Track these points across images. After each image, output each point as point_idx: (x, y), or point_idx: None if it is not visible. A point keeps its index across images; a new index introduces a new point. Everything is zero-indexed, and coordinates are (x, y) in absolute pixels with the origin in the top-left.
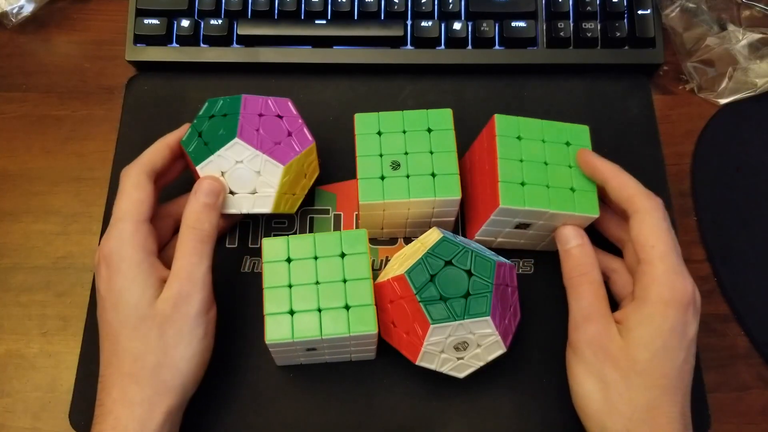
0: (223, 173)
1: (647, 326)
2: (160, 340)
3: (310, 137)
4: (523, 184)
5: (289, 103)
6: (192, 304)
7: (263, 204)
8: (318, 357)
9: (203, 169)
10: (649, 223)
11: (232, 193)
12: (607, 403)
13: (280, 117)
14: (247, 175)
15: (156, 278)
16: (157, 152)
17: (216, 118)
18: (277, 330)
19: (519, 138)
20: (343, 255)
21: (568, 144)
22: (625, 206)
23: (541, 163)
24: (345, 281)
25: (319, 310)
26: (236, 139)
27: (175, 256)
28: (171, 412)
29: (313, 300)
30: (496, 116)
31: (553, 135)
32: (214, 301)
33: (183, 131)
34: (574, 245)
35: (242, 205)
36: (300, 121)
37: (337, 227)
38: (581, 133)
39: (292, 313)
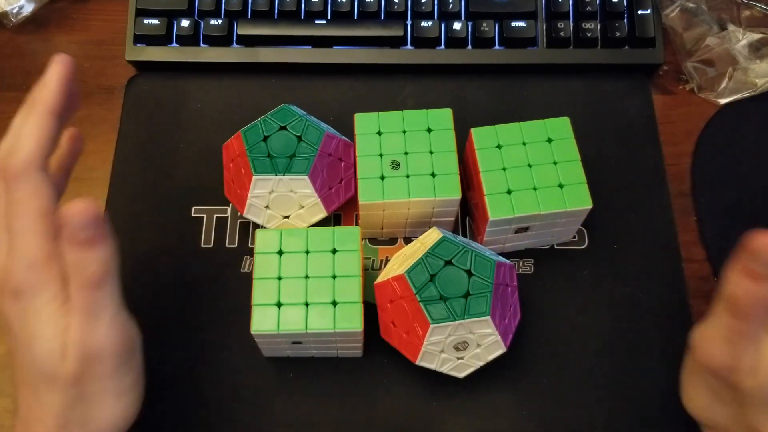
0: (272, 191)
1: None
2: (81, 399)
3: (352, 188)
4: (509, 192)
5: (352, 148)
6: (105, 362)
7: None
8: (304, 350)
9: (258, 181)
10: None
11: (267, 207)
12: None
13: (341, 160)
14: (290, 203)
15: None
16: (45, 133)
17: (289, 133)
18: (262, 321)
19: (499, 147)
20: (334, 251)
21: (549, 141)
22: None
23: (524, 167)
24: (334, 277)
25: (306, 305)
26: (305, 177)
27: (72, 312)
28: None
29: (301, 294)
30: (473, 130)
31: (534, 135)
32: (138, 334)
33: (53, 91)
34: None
35: (270, 221)
36: (352, 170)
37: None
38: (562, 125)
39: (279, 305)
